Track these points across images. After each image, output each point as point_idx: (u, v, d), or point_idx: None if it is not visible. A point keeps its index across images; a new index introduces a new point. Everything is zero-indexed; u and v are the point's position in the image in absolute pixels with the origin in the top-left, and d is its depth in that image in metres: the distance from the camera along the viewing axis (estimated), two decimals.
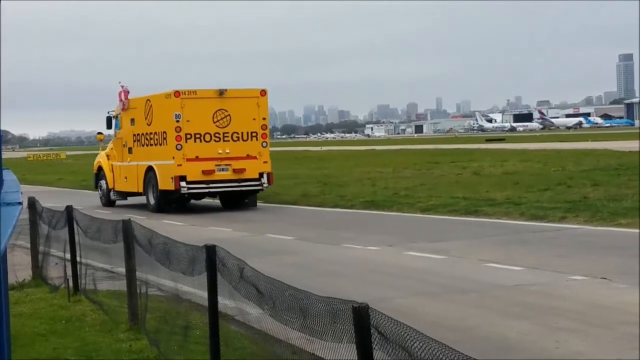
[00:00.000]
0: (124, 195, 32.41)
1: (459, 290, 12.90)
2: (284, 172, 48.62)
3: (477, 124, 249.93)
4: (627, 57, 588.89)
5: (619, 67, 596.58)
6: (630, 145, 59.39)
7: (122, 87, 32.35)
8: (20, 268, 15.61)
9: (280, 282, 6.38)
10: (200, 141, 28.35)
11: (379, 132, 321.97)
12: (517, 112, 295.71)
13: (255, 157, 28.83)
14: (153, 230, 10.20)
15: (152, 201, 29.63)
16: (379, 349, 4.79)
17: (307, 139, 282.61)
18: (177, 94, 28.40)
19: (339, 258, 16.88)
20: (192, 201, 30.33)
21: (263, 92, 29.26)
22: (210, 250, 7.76)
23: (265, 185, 28.88)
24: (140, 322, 10.72)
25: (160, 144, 29.21)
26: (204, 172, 28.24)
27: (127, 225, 10.81)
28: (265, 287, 6.55)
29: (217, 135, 28.52)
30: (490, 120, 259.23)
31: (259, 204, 30.08)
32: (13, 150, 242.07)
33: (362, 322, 4.87)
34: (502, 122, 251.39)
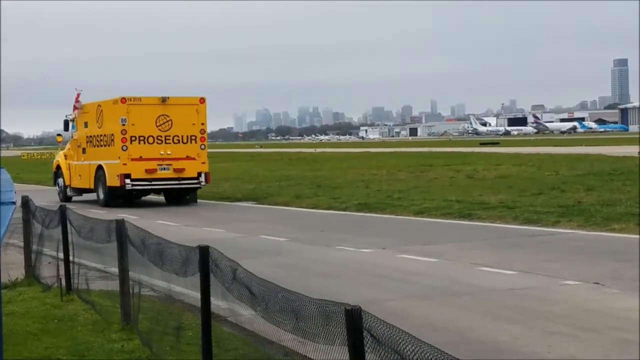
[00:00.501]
0: (79, 191, 35.32)
1: (451, 293, 12.91)
2: (278, 174, 48.67)
3: (472, 127, 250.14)
4: (622, 62, 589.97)
5: (613, 72, 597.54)
6: (624, 150, 59.52)
7: (78, 93, 35.45)
8: (13, 267, 15.59)
9: (273, 283, 6.39)
10: (144, 143, 31.57)
11: (373, 135, 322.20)
12: (512, 116, 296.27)
13: (194, 158, 32.15)
14: (146, 230, 10.20)
15: (101, 196, 32.70)
16: (371, 352, 4.79)
17: (302, 141, 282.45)
18: (123, 100, 31.67)
19: (332, 260, 16.88)
20: (193, 201, 31.06)
21: (202, 100, 32.73)
22: (204, 251, 7.76)
23: (202, 183, 32.13)
24: (132, 322, 10.71)
25: (109, 145, 32.31)
26: (147, 171, 31.44)
27: (120, 225, 10.80)
28: (258, 288, 6.55)
29: (159, 138, 31.70)
30: (484, 124, 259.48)
31: (253, 205, 30.56)
32: (7, 149, 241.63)
33: (355, 324, 4.88)
34: (496, 126, 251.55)
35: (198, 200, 33.23)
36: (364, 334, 4.84)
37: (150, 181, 31.64)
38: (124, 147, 31.39)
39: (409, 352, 4.40)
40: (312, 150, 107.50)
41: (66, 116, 36.43)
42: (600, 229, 19.75)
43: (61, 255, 13.75)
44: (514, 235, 19.56)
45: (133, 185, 31.34)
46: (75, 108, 35.37)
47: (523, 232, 20.15)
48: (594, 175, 35.73)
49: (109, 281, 13.88)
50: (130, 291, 10.86)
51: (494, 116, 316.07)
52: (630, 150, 58.02)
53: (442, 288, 13.41)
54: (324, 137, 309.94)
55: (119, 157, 31.39)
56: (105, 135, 32.68)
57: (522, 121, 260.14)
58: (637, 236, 18.15)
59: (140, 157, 31.42)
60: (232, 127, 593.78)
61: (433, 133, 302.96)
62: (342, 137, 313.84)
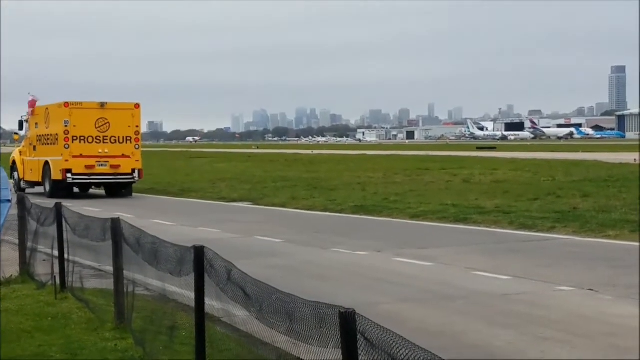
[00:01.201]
0: (31, 184, 39.05)
1: (446, 298, 12.92)
2: (274, 175, 48.65)
3: (469, 131, 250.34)
4: (620, 69, 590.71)
5: (611, 79, 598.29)
6: (621, 157, 59.58)
7: (32, 97, 39.46)
8: (7, 264, 15.54)
9: (268, 285, 6.39)
10: (84, 142, 35.93)
11: (370, 137, 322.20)
12: (509, 121, 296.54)
13: (129, 157, 36.44)
14: (142, 229, 10.19)
15: (47, 188, 36.80)
16: (365, 355, 4.79)
17: (299, 142, 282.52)
18: (66, 104, 36.11)
19: (327, 262, 16.88)
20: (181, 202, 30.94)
21: (137, 106, 37.10)
22: (199, 251, 7.75)
23: (136, 178, 36.55)
24: (126, 321, 10.69)
25: (54, 144, 36.66)
26: (87, 167, 35.95)
27: (115, 224, 10.78)
28: (253, 289, 6.54)
29: (98, 138, 36.06)
30: (481, 128, 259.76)
31: (249, 205, 30.57)
32: (4, 146, 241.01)
33: (349, 327, 4.87)
34: (493, 131, 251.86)
35: (193, 200, 33.84)
36: (358, 337, 4.84)
37: (90, 176, 36.18)
38: (67, 146, 35.75)
39: (402, 356, 4.40)
40: (309, 151, 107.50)
41: (21, 117, 40.85)
42: (596, 236, 19.77)
43: (56, 252, 13.73)
44: (510, 240, 19.57)
45: (74, 179, 35.82)
46: (30, 111, 39.80)
47: (518, 237, 20.17)
48: (590, 181, 35.76)
49: (103, 280, 13.87)
50: (125, 290, 10.85)
51: (492, 121, 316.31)
52: (627, 157, 58.12)
53: (437, 292, 13.41)
54: (321, 139, 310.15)
55: (62, 154, 35.78)
56: (51, 135, 37.02)
57: (519, 126, 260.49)
58: (632, 243, 18.19)
59: (81, 154, 35.77)
60: (229, 127, 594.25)
61: (430, 137, 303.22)
62: (339, 139, 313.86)
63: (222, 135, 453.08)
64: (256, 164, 66.91)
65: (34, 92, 41.32)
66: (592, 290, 13.22)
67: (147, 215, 26.40)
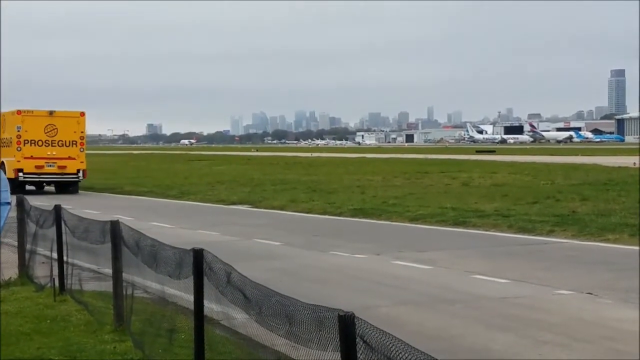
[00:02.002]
0: None
1: (444, 301, 12.92)
2: (273, 178, 48.66)
3: (468, 135, 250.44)
4: (619, 73, 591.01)
5: (610, 82, 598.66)
6: (620, 160, 59.59)
7: None
8: (6, 266, 15.53)
9: (267, 288, 6.39)
10: (35, 145, 40.77)
11: (369, 140, 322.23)
12: (508, 124, 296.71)
13: (74, 159, 41.39)
14: (141, 232, 10.19)
15: None
16: (364, 358, 4.79)
17: (298, 145, 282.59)
18: (19, 112, 41.21)
19: (326, 265, 16.88)
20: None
21: (82, 114, 42.34)
22: (198, 254, 7.75)
23: (81, 178, 41.61)
24: (125, 324, 10.69)
25: (8, 146, 41.16)
26: (36, 167, 40.69)
27: (115, 227, 10.78)
28: (252, 292, 6.54)
29: (47, 142, 40.98)
30: (481, 132, 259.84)
31: (248, 208, 30.55)
32: None
33: (348, 330, 4.87)
34: (492, 134, 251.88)
35: (192, 203, 34.12)
36: (357, 340, 4.84)
37: (39, 175, 40.96)
38: (19, 148, 40.64)
39: (401, 359, 4.40)
40: (309, 154, 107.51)
41: None
42: (595, 239, 19.78)
43: (55, 255, 13.72)
44: (508, 244, 19.58)
45: (25, 177, 40.44)
46: None
47: (517, 240, 20.18)
48: (589, 185, 35.78)
49: (102, 282, 13.88)
50: (124, 292, 10.85)
51: (491, 124, 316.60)
52: (626, 160, 58.14)
53: (436, 295, 13.42)
54: (321, 142, 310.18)
55: (14, 156, 40.49)
56: (6, 138, 41.75)
57: (518, 129, 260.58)
58: (632, 247, 18.20)
59: (31, 156, 40.54)
60: (228, 130, 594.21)
61: (429, 140, 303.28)
62: (338, 142, 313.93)
63: (221, 138, 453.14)
64: (255, 167, 66.93)
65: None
66: (591, 294, 13.22)
67: (145, 218, 26.41)
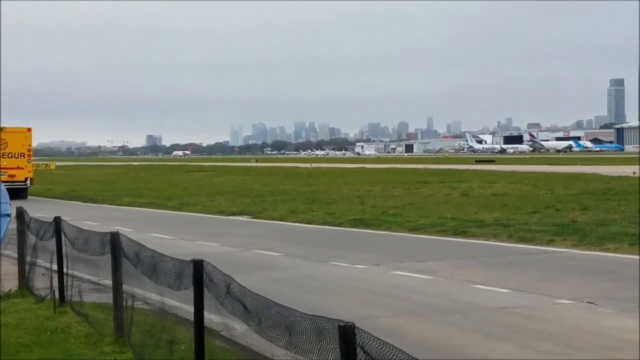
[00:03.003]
0: None
1: (444, 311, 12.91)
2: (273, 188, 48.66)
3: (468, 144, 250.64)
4: (618, 82, 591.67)
5: (610, 91, 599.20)
6: (620, 170, 59.61)
7: None
8: (6, 278, 15.54)
9: (267, 298, 6.39)
10: None
11: (369, 150, 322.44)
12: (508, 134, 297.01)
13: (22, 168, 47.25)
14: (141, 243, 10.19)
15: None
16: None
17: (297, 156, 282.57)
18: None
19: (326, 275, 16.87)
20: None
21: (29, 130, 48.38)
22: (198, 265, 7.75)
23: (28, 185, 47.33)
24: (125, 335, 10.68)
25: None
26: None
27: (114, 238, 10.78)
28: (252, 303, 6.54)
29: None
30: (480, 142, 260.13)
31: (248, 219, 30.60)
32: None
33: (348, 341, 4.88)
34: (492, 144, 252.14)
35: (191, 214, 34.25)
36: (357, 350, 4.84)
37: None
38: None
39: None
40: (308, 165, 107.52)
41: None
42: (595, 249, 19.77)
43: (55, 266, 13.72)
44: (508, 254, 19.57)
45: None
46: None
47: (517, 250, 20.17)
48: (589, 194, 35.79)
49: (102, 294, 13.86)
50: (124, 304, 10.84)
51: (490, 134, 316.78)
52: (626, 170, 58.16)
53: (436, 305, 13.41)
54: (320, 152, 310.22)
55: None
56: None
57: (518, 139, 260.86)
58: (632, 256, 18.20)
59: None
60: (228, 141, 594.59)
61: (429, 150, 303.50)
62: (337, 152, 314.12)
63: (221, 148, 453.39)
64: (255, 178, 66.93)
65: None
66: (591, 303, 13.21)
67: (145, 229, 26.41)
